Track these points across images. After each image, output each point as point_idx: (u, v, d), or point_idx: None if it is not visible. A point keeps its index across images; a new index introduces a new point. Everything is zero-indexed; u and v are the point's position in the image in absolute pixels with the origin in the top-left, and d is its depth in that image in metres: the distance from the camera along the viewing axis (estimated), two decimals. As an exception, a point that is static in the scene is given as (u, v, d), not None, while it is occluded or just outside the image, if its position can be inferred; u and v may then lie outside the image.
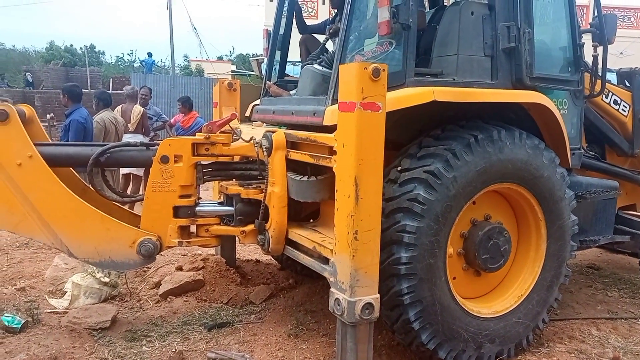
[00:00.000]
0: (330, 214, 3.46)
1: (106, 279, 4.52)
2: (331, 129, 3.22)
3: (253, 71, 28.73)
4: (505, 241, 3.54)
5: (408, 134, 3.55)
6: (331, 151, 3.12)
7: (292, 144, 3.66)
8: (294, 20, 4.68)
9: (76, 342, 3.65)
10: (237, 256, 5.41)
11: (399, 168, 3.25)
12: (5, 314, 3.94)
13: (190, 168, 3.76)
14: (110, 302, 4.42)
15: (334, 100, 3.33)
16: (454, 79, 3.46)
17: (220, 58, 38.44)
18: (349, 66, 2.88)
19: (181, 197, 3.74)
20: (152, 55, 25.04)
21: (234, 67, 31.30)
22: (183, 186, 3.73)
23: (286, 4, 4.61)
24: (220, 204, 4.08)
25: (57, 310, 4.28)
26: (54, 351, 3.43)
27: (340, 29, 3.50)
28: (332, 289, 3.04)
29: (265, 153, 3.62)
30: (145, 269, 5.27)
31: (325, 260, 3.22)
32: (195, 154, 3.78)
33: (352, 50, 3.54)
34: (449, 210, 3.17)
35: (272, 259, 5.45)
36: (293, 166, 3.67)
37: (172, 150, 3.72)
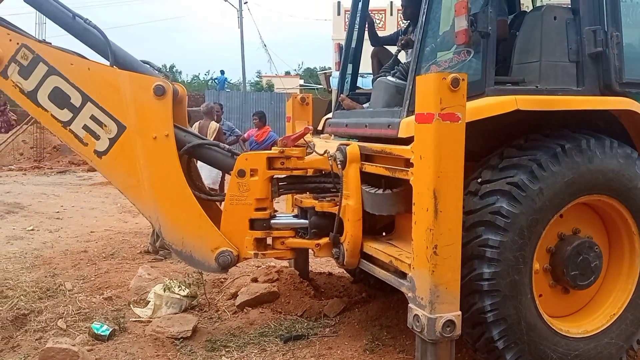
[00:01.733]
0: (406, 227, 3.41)
1: (187, 289, 4.67)
2: (406, 141, 3.17)
3: (321, 85, 29.12)
4: (595, 257, 3.32)
5: (486, 144, 3.43)
6: (407, 163, 3.07)
7: (367, 157, 3.64)
8: (366, 32, 4.69)
9: (160, 350, 3.79)
10: (310, 268, 5.44)
11: (479, 180, 3.15)
12: (95, 322, 4.16)
13: (266, 182, 3.84)
14: (190, 312, 4.56)
15: (410, 112, 3.29)
16: (537, 87, 3.31)
17: (287, 73, 39.28)
18: (427, 77, 2.83)
19: (257, 210, 3.83)
20: (224, 72, 25.97)
21: (302, 82, 31.83)
22: (258, 199, 3.82)
23: (358, 16, 4.63)
24: (295, 216, 4.12)
25: (141, 319, 4.47)
26: (140, 359, 3.58)
27: (415, 39, 3.45)
28: (410, 305, 2.97)
29: (339, 166, 3.62)
30: (222, 280, 5.41)
31: (403, 275, 3.16)
32: (270, 167, 3.86)
33: (427, 60, 3.49)
34: (534, 223, 3.02)
35: (345, 272, 5.43)
36: (367, 179, 3.64)
37: (248, 165, 3.82)
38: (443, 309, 2.79)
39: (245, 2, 29.13)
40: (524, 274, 3.04)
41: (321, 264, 6.15)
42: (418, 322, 2.85)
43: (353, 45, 4.68)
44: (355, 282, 5.23)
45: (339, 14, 19.83)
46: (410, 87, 3.32)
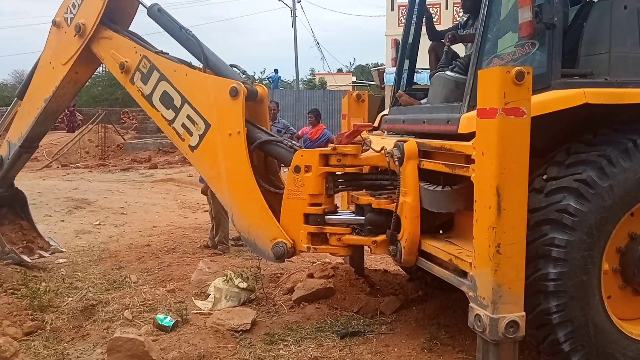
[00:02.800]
0: (465, 225, 3.34)
1: (245, 283, 4.78)
2: (466, 137, 3.11)
3: (373, 81, 28.95)
4: (669, 257, 3.14)
5: (551, 139, 3.31)
6: (468, 160, 3.00)
7: (425, 153, 3.59)
8: (424, 27, 4.62)
9: (220, 342, 3.90)
10: (365, 265, 5.43)
11: (544, 176, 3.04)
12: (159, 313, 4.33)
13: (319, 178, 3.88)
14: (249, 306, 4.66)
15: (470, 107, 3.22)
16: (606, 79, 3.15)
17: (339, 70, 39.30)
18: (490, 70, 2.76)
19: (311, 205, 3.89)
20: (278, 71, 26.36)
21: (354, 79, 31.75)
22: (312, 195, 3.88)
23: (415, 11, 4.57)
24: (351, 213, 4.13)
25: (202, 311, 4.61)
26: (202, 350, 3.69)
27: (477, 32, 3.37)
28: (471, 304, 2.91)
29: (396, 163, 3.59)
30: (279, 275, 5.50)
31: (463, 274, 3.10)
32: (325, 164, 3.89)
33: (489, 54, 3.40)
34: (604, 222, 2.89)
35: (400, 270, 5.39)
36: (425, 175, 3.60)
37: (303, 161, 3.89)
38: (506, 309, 2.72)
39: (299, 1, 29.41)
40: (592, 274, 2.92)
41: (376, 260, 6.13)
42: (480, 322, 2.80)
43: (410, 40, 4.63)
44: (411, 280, 5.18)
45: (392, 9, 19.62)
46: (471, 81, 3.25)
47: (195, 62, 4.45)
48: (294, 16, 28.47)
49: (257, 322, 4.25)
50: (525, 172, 2.69)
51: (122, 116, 27.41)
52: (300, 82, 29.41)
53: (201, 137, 4.19)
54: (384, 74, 17.95)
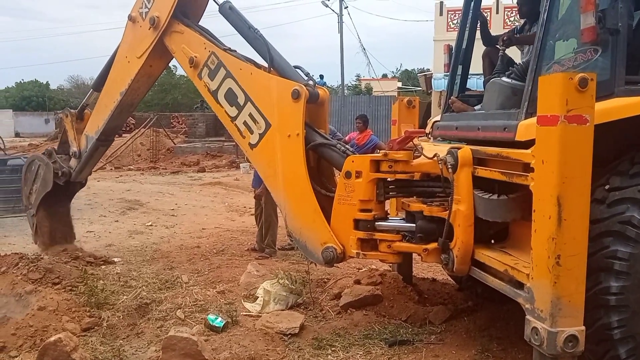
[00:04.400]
0: (522, 235, 3.26)
1: (293, 287, 4.82)
2: (524, 145, 3.04)
3: (419, 87, 28.67)
4: None
5: (613, 148, 3.18)
6: (526, 168, 2.93)
7: (479, 161, 3.53)
8: (478, 32, 4.56)
9: (269, 345, 3.95)
10: (413, 273, 5.37)
11: (607, 187, 2.93)
12: (210, 314, 4.42)
13: (370, 184, 3.87)
14: (296, 310, 4.69)
15: (529, 114, 3.15)
16: (675, 86, 3.01)
17: (385, 76, 39.13)
18: (552, 77, 2.69)
19: (361, 210, 3.89)
20: (323, 77, 26.32)
21: (400, 84, 31.52)
22: (363, 201, 3.88)
23: (470, 16, 4.50)
24: (402, 220, 4.10)
25: (251, 313, 4.68)
26: (252, 352, 3.74)
27: (536, 38, 3.30)
28: (528, 317, 2.83)
29: (450, 170, 3.54)
30: (325, 280, 5.51)
31: (519, 285, 3.02)
32: (376, 170, 3.88)
33: (548, 59, 3.31)
34: (670, 235, 2.75)
35: (449, 279, 5.30)
36: (478, 183, 3.53)
37: (354, 167, 3.90)
38: (565, 322, 2.64)
39: (346, 7, 29.48)
40: (657, 289, 2.78)
41: (423, 269, 6.06)
42: (537, 335, 2.72)
43: (463, 45, 4.57)
44: (461, 290, 5.09)
45: (441, 14, 19.38)
46: (530, 88, 3.18)
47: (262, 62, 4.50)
48: (340, 22, 28.64)
49: (305, 327, 4.28)
50: (587, 182, 2.61)
51: (172, 120, 28.19)
52: (345, 88, 29.46)
53: (261, 136, 4.26)
54: (432, 80, 17.73)
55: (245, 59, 4.44)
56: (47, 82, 50.59)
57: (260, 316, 4.51)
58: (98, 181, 14.71)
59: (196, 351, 3.49)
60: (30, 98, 47.05)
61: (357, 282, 5.11)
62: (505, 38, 4.12)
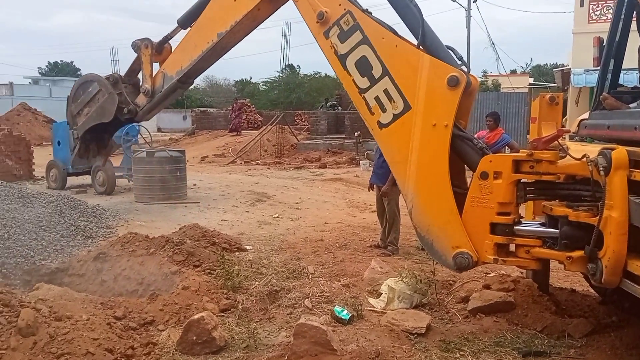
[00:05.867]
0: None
1: (417, 286, 4.76)
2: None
3: (553, 83, 26.70)
4: None
5: None
6: (699, 173, 2.59)
7: (636, 163, 3.20)
8: (633, 23, 4.12)
9: (395, 342, 3.94)
10: (549, 282, 5.02)
11: None
12: (336, 306, 4.52)
13: (510, 185, 3.66)
14: (421, 310, 4.62)
15: (702, 112, 2.77)
16: None
17: (513, 71, 37.02)
18: None
19: (499, 214, 3.68)
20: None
21: (531, 80, 29.63)
22: (501, 203, 3.66)
23: (625, 6, 4.09)
24: (542, 224, 3.86)
25: (375, 309, 4.71)
26: (378, 347, 3.76)
27: None
28: (696, 339, 2.51)
29: (601, 172, 3.25)
30: (451, 282, 5.37)
31: (685, 303, 2.69)
32: (517, 171, 3.67)
33: None
34: None
35: (591, 290, 4.88)
36: (634, 188, 3.20)
37: (492, 167, 3.69)
38: None
39: (474, 1, 28.36)
40: None
41: (559, 278, 5.65)
42: None
43: (617, 38, 4.16)
44: (603, 303, 4.66)
45: (582, 5, 17.83)
46: None
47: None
48: (468, 17, 27.62)
49: (431, 328, 4.21)
50: None
51: (295, 118, 29.20)
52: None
53: (396, 116, 3.86)
54: (571, 75, 16.40)
55: (387, 26, 3.94)
56: (185, 82, 54.87)
57: (385, 313, 4.52)
58: (230, 174, 15.74)
59: (325, 340, 3.59)
60: (170, 97, 51.41)
61: (487, 286, 4.91)
62: None
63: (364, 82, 3.96)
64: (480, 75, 38.05)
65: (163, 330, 4.19)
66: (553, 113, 4.67)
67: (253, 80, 52.49)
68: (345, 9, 3.95)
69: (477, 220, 3.72)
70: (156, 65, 5.06)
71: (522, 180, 3.74)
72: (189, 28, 4.83)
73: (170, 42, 5.10)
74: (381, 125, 3.95)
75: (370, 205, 10.28)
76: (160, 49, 5.08)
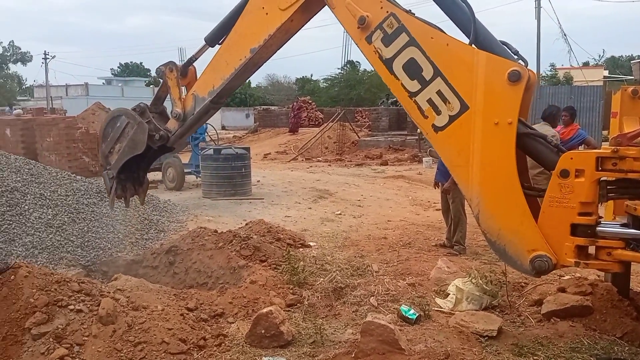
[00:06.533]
0: None
1: (487, 287, 4.62)
2: None
3: (630, 75, 25.15)
4: None
5: None
6: None
7: None
8: None
9: (465, 344, 3.84)
10: (630, 287, 4.74)
11: None
12: (403, 305, 4.47)
13: (593, 184, 3.46)
14: (491, 312, 4.48)
15: None
16: None
17: (585, 64, 35.14)
18: None
19: (581, 214, 3.49)
20: (514, 66, 24.78)
21: (606, 72, 28.05)
22: (583, 203, 3.46)
23: None
24: (624, 225, 3.63)
25: (442, 309, 4.61)
26: (447, 349, 3.68)
27: None
28: None
29: (693, 170, 3.02)
30: (523, 284, 5.18)
31: None
32: (600, 168, 3.47)
33: None
34: None
35: (677, 297, 4.56)
36: None
37: (573, 164, 3.50)
38: None
39: (544, -9, 27.13)
40: None
41: (640, 282, 5.31)
42: None
43: None
44: (693, 311, 4.33)
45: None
46: None
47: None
48: (538, 7, 26.53)
49: (502, 331, 4.07)
50: None
51: (356, 115, 29.16)
52: (539, 78, 27.18)
53: (452, 118, 3.67)
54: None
55: (434, 26, 3.80)
56: (249, 80, 56.34)
57: (453, 314, 4.42)
58: (292, 171, 15.93)
59: (393, 339, 3.56)
60: (234, 95, 52.94)
61: (562, 290, 4.69)
62: None
63: (414, 86, 3.78)
64: (549, 68, 36.38)
65: (232, 323, 4.30)
66: (636, 107, 4.41)
67: (314, 78, 52.87)
68: (388, 12, 3.78)
69: (556, 221, 3.52)
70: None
71: (603, 179, 3.53)
72: (217, 46, 4.70)
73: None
74: (437, 129, 3.75)
75: (435, 203, 10.09)
76: (185, 72, 4.98)
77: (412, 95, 3.80)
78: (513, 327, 4.25)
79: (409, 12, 3.85)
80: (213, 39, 4.79)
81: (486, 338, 3.94)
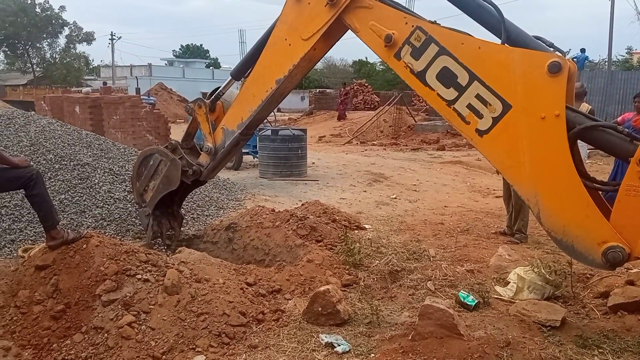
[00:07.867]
0: None
1: (550, 277, 4.47)
2: None
3: None
4: None
5: None
6: None
7: None
8: None
9: (526, 333, 3.75)
10: None
11: None
12: (461, 291, 4.40)
13: None
14: (554, 302, 4.34)
15: None
16: None
17: (662, 48, 32.83)
18: None
19: None
20: (585, 51, 23.52)
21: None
22: None
23: None
24: None
25: (502, 297, 4.51)
26: (508, 336, 3.59)
27: None
28: None
29: None
30: (588, 275, 4.98)
31: None
32: None
33: None
34: None
35: None
36: None
37: None
38: None
39: (618, -31, 25.46)
40: None
41: None
42: None
43: None
44: None
45: None
46: None
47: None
48: (611, -13, 24.94)
49: (566, 322, 3.94)
50: None
51: (413, 99, 28.66)
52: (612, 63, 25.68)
53: (496, 120, 3.61)
54: None
55: (461, 32, 3.76)
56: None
57: (514, 302, 4.32)
58: (346, 154, 15.93)
59: (452, 324, 3.52)
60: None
61: (630, 282, 4.48)
62: None
63: (450, 94, 3.73)
64: (624, 52, 34.20)
65: (289, 299, 4.37)
66: None
67: (370, 61, 52.29)
68: (413, 26, 3.79)
69: (635, 211, 3.35)
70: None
71: None
72: (242, 79, 4.86)
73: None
74: (481, 133, 3.67)
75: (494, 190, 9.84)
76: (213, 107, 5.14)
77: (450, 103, 3.76)
78: (577, 319, 4.11)
79: (434, 22, 3.83)
80: (239, 73, 4.95)
81: (549, 328, 3.82)
